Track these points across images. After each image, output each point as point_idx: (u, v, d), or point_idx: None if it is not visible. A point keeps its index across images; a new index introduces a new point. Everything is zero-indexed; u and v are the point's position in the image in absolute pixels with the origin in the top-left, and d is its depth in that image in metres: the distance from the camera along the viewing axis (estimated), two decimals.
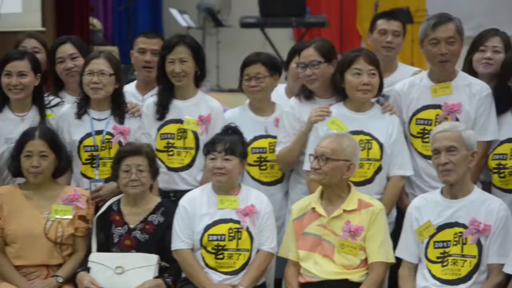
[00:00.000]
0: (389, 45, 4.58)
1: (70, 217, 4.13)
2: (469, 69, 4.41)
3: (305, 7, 8.88)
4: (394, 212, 4.27)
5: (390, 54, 4.61)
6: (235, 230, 4.07)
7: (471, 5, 8.38)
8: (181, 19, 9.66)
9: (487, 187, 4.18)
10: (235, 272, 4.05)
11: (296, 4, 8.77)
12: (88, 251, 4.16)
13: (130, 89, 4.76)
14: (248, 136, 4.33)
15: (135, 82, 4.87)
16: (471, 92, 4.20)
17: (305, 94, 4.40)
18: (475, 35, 4.55)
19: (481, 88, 4.21)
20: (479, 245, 3.79)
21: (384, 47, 4.60)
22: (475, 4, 8.40)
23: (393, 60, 4.64)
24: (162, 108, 4.44)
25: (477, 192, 3.91)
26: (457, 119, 4.14)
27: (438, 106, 4.21)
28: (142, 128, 4.46)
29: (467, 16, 7.69)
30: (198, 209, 4.11)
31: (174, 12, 9.77)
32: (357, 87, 4.18)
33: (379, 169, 4.21)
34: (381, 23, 4.64)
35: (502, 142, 4.13)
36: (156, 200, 4.24)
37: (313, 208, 4.02)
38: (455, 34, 4.17)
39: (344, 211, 3.97)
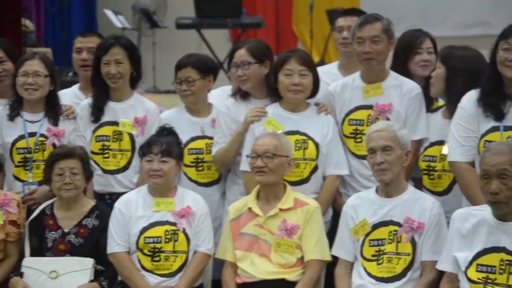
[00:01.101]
0: (346, 41, 4.63)
1: (1, 222, 4.05)
2: (406, 72, 4.44)
3: (241, 8, 8.89)
4: (330, 212, 4.31)
5: (348, 50, 4.62)
6: (172, 232, 4.05)
7: (404, 7, 8.50)
8: (116, 20, 9.57)
9: (418, 183, 4.25)
10: (171, 274, 4.03)
11: (232, 5, 8.77)
12: (21, 256, 4.09)
13: (73, 91, 4.72)
14: (184, 137, 4.31)
15: (78, 84, 4.81)
16: (401, 92, 4.26)
17: (241, 94, 4.41)
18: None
19: (411, 88, 4.27)
20: (413, 242, 3.85)
21: (341, 44, 4.68)
22: (408, 6, 8.52)
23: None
24: (97, 110, 4.40)
25: (411, 190, 3.97)
26: (388, 119, 4.19)
27: (369, 107, 4.26)
28: (77, 130, 4.42)
29: (400, 17, 7.84)
30: (134, 212, 4.08)
31: (109, 13, 9.67)
32: (288, 88, 4.20)
33: (315, 169, 4.24)
34: (340, 21, 4.72)
35: (432, 144, 4.20)
36: (90, 203, 4.20)
37: (250, 208, 4.03)
38: (381, 33, 4.21)
39: (280, 210, 3.99)
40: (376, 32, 4.21)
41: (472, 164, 3.85)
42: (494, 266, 3.48)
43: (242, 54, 4.35)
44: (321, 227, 4.03)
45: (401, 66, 4.46)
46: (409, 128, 4.13)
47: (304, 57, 4.24)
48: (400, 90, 4.26)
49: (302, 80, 4.19)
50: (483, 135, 3.82)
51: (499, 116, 3.80)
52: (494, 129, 3.82)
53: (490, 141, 3.78)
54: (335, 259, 4.01)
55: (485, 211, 3.56)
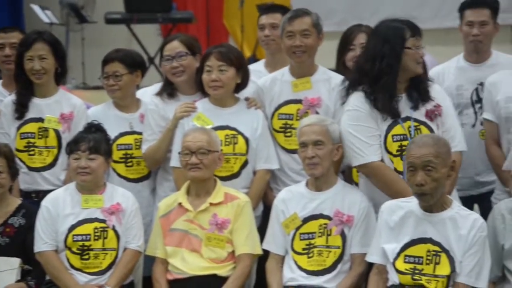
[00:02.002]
0: (268, 39, 4.65)
1: None
2: (344, 68, 4.48)
3: (171, 3, 8.83)
4: (260, 206, 4.31)
5: (270, 47, 4.65)
6: (101, 229, 4.00)
7: (334, 1, 8.56)
8: (43, 15, 9.39)
9: (349, 176, 4.29)
10: (101, 272, 3.98)
11: (162, 0, 8.71)
12: None
13: None
14: (112, 133, 4.26)
15: (1, 81, 4.72)
16: (330, 86, 4.28)
17: (168, 92, 4.38)
18: (338, 30, 4.67)
19: (340, 82, 4.25)
20: (343, 235, 3.88)
21: (263, 41, 4.70)
22: (338, 0, 8.59)
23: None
24: (21, 107, 4.32)
25: (340, 184, 4.00)
26: (317, 113, 4.21)
27: (299, 101, 4.28)
28: (0, 128, 4.33)
29: (330, 12, 7.91)
30: (62, 210, 4.02)
31: (36, 8, 9.48)
32: (208, 84, 4.20)
33: (245, 164, 4.24)
34: (261, 19, 4.75)
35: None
36: (16, 201, 4.12)
37: (180, 204, 4.02)
38: (310, 27, 4.23)
39: (211, 204, 3.99)
40: (305, 26, 4.22)
41: (382, 161, 3.89)
42: (421, 257, 3.54)
43: (176, 46, 4.33)
44: (251, 221, 4.03)
45: (339, 62, 4.51)
46: (338, 122, 4.14)
47: (223, 52, 4.22)
48: (328, 84, 4.29)
49: (221, 75, 4.18)
50: (387, 131, 3.87)
51: (396, 113, 3.85)
52: (394, 123, 3.87)
53: (396, 135, 3.84)
54: (266, 253, 4.01)
55: (412, 203, 3.61)
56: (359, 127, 3.88)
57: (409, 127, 3.85)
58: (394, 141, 3.85)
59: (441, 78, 4.56)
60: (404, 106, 3.88)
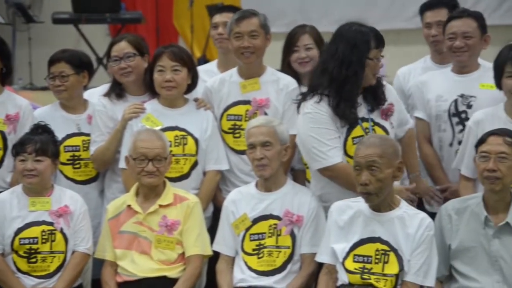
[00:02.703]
0: (221, 37, 4.65)
1: None
2: (289, 68, 4.51)
3: (119, 3, 8.76)
4: (210, 207, 4.30)
5: (223, 46, 4.65)
6: (49, 232, 3.95)
7: (283, 2, 8.59)
8: None
9: (301, 176, 4.30)
10: (49, 276, 3.94)
11: (111, 0, 8.63)
12: None
13: None
14: (60, 135, 4.21)
15: None
16: (278, 87, 4.29)
17: (116, 92, 4.35)
18: (288, 31, 4.65)
19: (288, 83, 4.31)
20: (292, 235, 3.89)
21: (217, 40, 4.70)
22: (287, 1, 8.62)
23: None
24: None
25: (290, 184, 4.01)
26: (266, 114, 4.22)
27: (247, 102, 4.28)
28: None
29: (280, 13, 7.93)
30: (8, 212, 3.96)
31: None
32: (161, 84, 4.18)
33: (195, 164, 4.22)
34: (215, 17, 4.75)
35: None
36: None
37: (129, 206, 3.99)
38: (258, 28, 4.24)
39: (160, 206, 3.97)
40: (253, 27, 4.23)
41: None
42: (370, 256, 3.57)
43: (123, 46, 4.30)
44: (201, 222, 4.02)
45: (284, 63, 4.53)
46: (287, 123, 4.16)
47: (176, 52, 4.21)
48: (277, 85, 4.30)
49: (175, 76, 4.17)
50: (347, 134, 3.88)
51: (355, 118, 3.86)
52: (354, 125, 3.88)
53: (356, 137, 3.85)
54: (216, 254, 4.00)
55: (361, 202, 3.64)
56: (320, 130, 3.84)
57: (367, 128, 3.88)
58: (354, 144, 3.82)
59: (406, 78, 4.61)
60: (361, 108, 3.91)
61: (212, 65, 4.81)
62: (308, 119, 3.86)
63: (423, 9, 4.68)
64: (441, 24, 4.50)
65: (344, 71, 3.80)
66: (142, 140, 3.97)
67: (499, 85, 3.93)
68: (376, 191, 3.52)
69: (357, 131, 3.87)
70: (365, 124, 3.88)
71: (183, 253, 3.96)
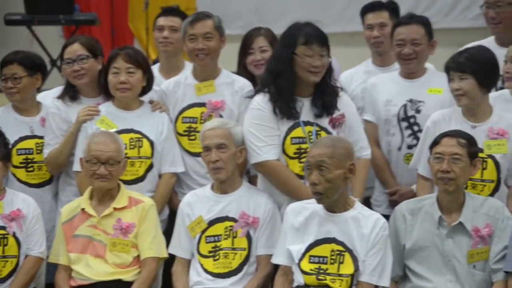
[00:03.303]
0: (167, 41, 4.63)
1: None
2: (244, 71, 4.53)
3: (73, 4, 8.67)
4: (166, 210, 4.29)
5: (168, 49, 4.64)
6: (1, 236, 3.90)
7: (239, 4, 8.59)
8: None
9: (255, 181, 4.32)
10: (1, 280, 3.88)
11: (64, 1, 8.53)
12: None
13: None
14: (12, 137, 4.16)
15: None
16: (233, 89, 4.30)
17: (70, 95, 4.31)
18: (243, 33, 4.68)
19: (243, 85, 4.32)
20: (248, 237, 3.90)
21: (161, 43, 4.67)
22: (243, 3, 8.63)
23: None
24: None
25: (245, 186, 4.02)
26: (221, 116, 4.22)
27: (203, 104, 4.27)
28: None
29: (236, 15, 7.93)
30: None
31: None
32: (116, 86, 4.16)
33: (150, 167, 4.20)
34: (159, 20, 4.73)
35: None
36: None
37: (83, 209, 3.95)
38: (213, 30, 4.24)
39: (115, 209, 3.94)
40: (208, 29, 4.23)
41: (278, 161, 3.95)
42: (326, 257, 3.58)
43: (76, 48, 4.27)
44: (157, 224, 4.00)
45: (240, 65, 4.54)
46: (243, 125, 4.16)
47: (131, 54, 4.19)
48: (232, 87, 4.30)
49: (129, 77, 4.15)
50: (287, 133, 3.93)
51: (293, 114, 3.92)
52: (295, 125, 3.93)
53: (295, 137, 3.90)
54: (173, 257, 3.98)
55: (316, 204, 3.65)
56: (259, 126, 3.93)
57: (310, 132, 3.90)
58: (292, 144, 3.91)
59: (348, 82, 4.65)
60: (308, 110, 3.93)
61: (154, 69, 4.77)
62: (250, 114, 3.97)
63: (364, 11, 4.73)
64: (383, 25, 4.58)
65: (276, 67, 3.92)
66: (96, 143, 3.94)
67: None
68: (325, 191, 3.54)
69: (298, 132, 3.91)
70: (308, 128, 3.91)
71: (138, 256, 3.93)
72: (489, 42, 4.37)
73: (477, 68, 3.88)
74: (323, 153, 3.53)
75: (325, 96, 3.94)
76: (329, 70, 3.97)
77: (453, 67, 3.89)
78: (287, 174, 3.91)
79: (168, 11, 4.83)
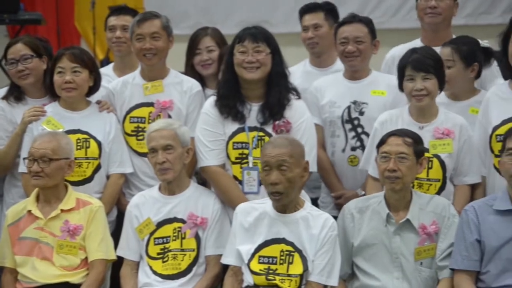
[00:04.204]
0: (119, 40, 4.63)
1: None
2: (192, 71, 4.53)
3: (18, 3, 8.53)
4: (114, 211, 4.26)
5: (121, 49, 4.63)
6: None
7: (187, 4, 8.57)
8: None
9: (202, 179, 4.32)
10: None
11: (9, 0, 8.40)
12: None
13: None
14: None
15: None
16: (182, 89, 4.29)
17: (15, 95, 4.26)
18: (191, 33, 4.68)
19: (192, 85, 4.31)
20: (197, 238, 3.89)
21: (114, 43, 4.65)
22: (191, 3, 8.61)
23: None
24: None
25: (193, 186, 4.01)
26: (169, 116, 4.21)
27: (151, 104, 4.25)
28: None
29: (184, 15, 7.91)
30: None
31: None
32: (61, 86, 4.12)
33: (98, 168, 4.17)
34: (111, 20, 4.73)
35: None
36: None
37: (29, 211, 3.90)
38: (160, 30, 4.23)
39: (62, 211, 3.90)
40: (155, 28, 4.22)
41: (223, 166, 3.95)
42: (275, 257, 3.59)
43: (20, 48, 4.23)
44: (105, 226, 3.96)
45: (187, 66, 4.53)
46: (191, 126, 4.16)
47: (77, 54, 4.15)
48: (180, 87, 4.29)
49: (75, 77, 4.11)
50: (230, 138, 3.95)
51: (238, 117, 3.94)
52: (239, 130, 3.95)
53: (237, 142, 3.92)
54: (121, 259, 3.96)
55: (266, 204, 3.67)
56: (205, 131, 3.97)
57: (254, 137, 3.91)
58: (234, 149, 3.93)
59: None
60: (254, 115, 3.94)
61: (108, 69, 4.77)
62: (200, 119, 4.02)
63: (302, 13, 4.77)
64: (318, 26, 4.61)
65: (223, 70, 4.00)
66: (36, 140, 3.92)
67: (401, 87, 4.01)
68: (286, 191, 3.55)
69: (241, 137, 3.93)
70: (253, 133, 3.92)
71: (86, 258, 3.89)
72: (415, 44, 4.41)
73: (439, 69, 3.94)
74: (283, 153, 3.54)
75: (274, 101, 3.94)
76: (282, 75, 3.98)
77: (416, 67, 3.90)
78: (226, 182, 3.93)
79: (119, 11, 4.81)
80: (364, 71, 4.40)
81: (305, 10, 4.75)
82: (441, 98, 4.15)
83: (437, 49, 4.24)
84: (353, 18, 4.37)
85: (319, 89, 4.40)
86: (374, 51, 4.39)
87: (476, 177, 3.98)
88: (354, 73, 4.39)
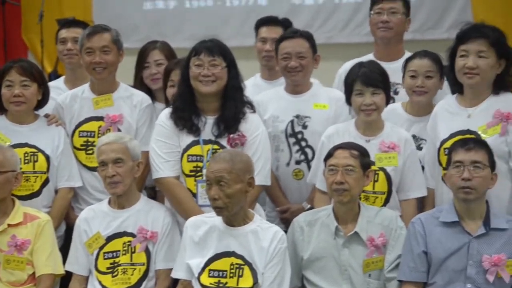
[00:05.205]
0: (70, 52, 4.60)
1: None
2: (141, 85, 4.53)
3: None
4: (63, 226, 4.22)
5: (72, 61, 4.61)
6: None
7: (137, 17, 8.54)
8: None
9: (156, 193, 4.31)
10: None
11: None
12: None
13: None
14: None
15: None
16: (132, 103, 4.29)
17: None
18: (141, 46, 4.68)
19: (142, 99, 4.32)
20: (147, 252, 3.87)
21: (65, 55, 4.63)
22: (141, 17, 8.58)
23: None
24: None
25: (144, 200, 4.00)
26: (119, 130, 4.20)
27: (100, 118, 4.24)
28: None
29: (134, 28, 7.87)
30: None
31: None
32: (9, 100, 4.10)
33: (46, 182, 4.14)
34: (62, 33, 4.70)
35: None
36: None
37: None
38: (110, 44, 4.24)
39: (9, 225, 3.86)
40: (105, 42, 4.21)
41: (177, 178, 3.96)
42: (225, 270, 3.59)
43: None
44: (53, 240, 3.93)
45: (136, 79, 4.52)
46: (141, 140, 4.16)
47: (25, 67, 4.12)
48: (130, 101, 4.29)
49: (24, 91, 4.09)
50: (185, 150, 3.95)
51: (193, 130, 3.94)
52: (194, 142, 3.95)
53: (192, 155, 3.92)
54: (70, 274, 3.92)
55: (216, 217, 3.66)
56: (159, 142, 3.96)
57: (209, 150, 3.92)
58: (188, 161, 3.93)
59: None
60: (209, 128, 3.95)
61: (59, 82, 4.73)
62: (154, 130, 4.01)
63: (260, 24, 4.80)
64: (276, 41, 4.63)
65: (179, 83, 4.01)
66: None
67: (349, 101, 4.06)
68: (226, 206, 3.55)
69: (195, 149, 3.93)
70: (208, 146, 3.93)
71: (33, 274, 3.86)
72: (368, 58, 4.45)
73: (387, 84, 4.00)
74: (222, 168, 3.54)
75: (230, 115, 3.95)
76: (238, 88, 3.99)
77: (366, 82, 3.95)
78: (181, 194, 3.92)
79: (69, 23, 4.79)
80: (306, 85, 4.43)
81: (265, 22, 4.78)
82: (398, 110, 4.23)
83: (389, 64, 4.33)
84: (294, 33, 4.40)
85: (261, 103, 4.39)
86: (315, 66, 4.43)
87: (420, 191, 4.03)
88: (296, 87, 4.42)
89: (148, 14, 8.26)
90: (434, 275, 3.63)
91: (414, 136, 4.16)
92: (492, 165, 3.66)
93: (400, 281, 3.68)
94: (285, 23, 4.79)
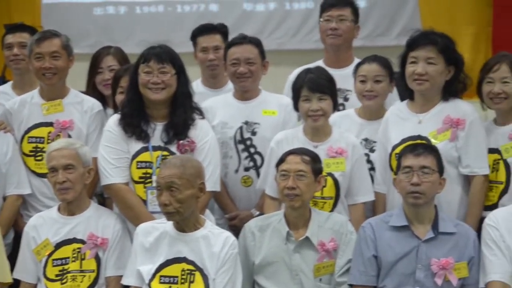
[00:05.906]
0: (17, 58, 4.57)
1: None
2: (94, 90, 4.50)
3: None
4: (11, 233, 4.18)
5: (19, 67, 4.56)
6: None
7: (87, 23, 8.47)
8: None
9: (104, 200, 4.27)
10: None
11: None
12: None
13: None
14: None
15: None
16: (82, 109, 4.26)
17: None
18: (92, 52, 4.67)
19: (93, 105, 4.30)
20: (97, 259, 3.85)
21: (12, 61, 4.59)
22: (91, 22, 8.51)
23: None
24: None
25: (94, 207, 3.97)
26: (69, 136, 4.16)
27: (50, 124, 4.21)
28: None
29: (84, 34, 7.79)
30: None
31: None
32: None
33: None
34: (8, 38, 4.67)
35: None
36: None
37: None
38: (60, 49, 4.21)
39: None
40: (55, 47, 4.19)
41: (127, 184, 3.93)
42: (176, 277, 3.58)
43: None
44: (1, 248, 3.85)
45: (89, 85, 4.51)
46: (91, 146, 4.13)
47: None
48: (81, 107, 4.27)
49: None
50: (134, 157, 3.94)
51: (142, 137, 3.93)
52: (144, 149, 3.94)
53: (141, 162, 3.91)
54: (18, 282, 3.88)
55: (167, 224, 3.66)
56: (108, 148, 3.94)
57: (158, 156, 3.91)
58: (138, 168, 3.92)
59: None
60: (158, 135, 3.94)
61: (7, 87, 4.68)
62: (103, 136, 3.99)
63: (196, 34, 4.77)
64: (218, 48, 4.65)
65: (127, 89, 4.00)
66: None
67: (296, 107, 4.08)
68: (177, 211, 3.55)
69: (145, 156, 3.92)
70: (157, 153, 3.92)
71: None
72: (318, 64, 4.48)
73: (334, 90, 4.03)
74: (172, 174, 3.53)
75: (179, 121, 3.94)
76: (187, 95, 3.98)
77: (312, 88, 3.97)
78: (132, 199, 3.90)
79: (15, 28, 4.73)
80: (255, 91, 4.44)
81: (202, 31, 4.76)
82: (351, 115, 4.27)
83: (339, 71, 4.36)
84: (243, 39, 4.41)
85: (210, 110, 4.38)
86: (264, 72, 4.44)
87: (368, 196, 4.07)
88: (245, 94, 4.43)
89: (99, 20, 8.19)
90: (384, 279, 3.67)
91: (366, 139, 4.21)
92: (441, 170, 3.72)
93: (351, 285, 3.71)
94: (221, 29, 4.78)
